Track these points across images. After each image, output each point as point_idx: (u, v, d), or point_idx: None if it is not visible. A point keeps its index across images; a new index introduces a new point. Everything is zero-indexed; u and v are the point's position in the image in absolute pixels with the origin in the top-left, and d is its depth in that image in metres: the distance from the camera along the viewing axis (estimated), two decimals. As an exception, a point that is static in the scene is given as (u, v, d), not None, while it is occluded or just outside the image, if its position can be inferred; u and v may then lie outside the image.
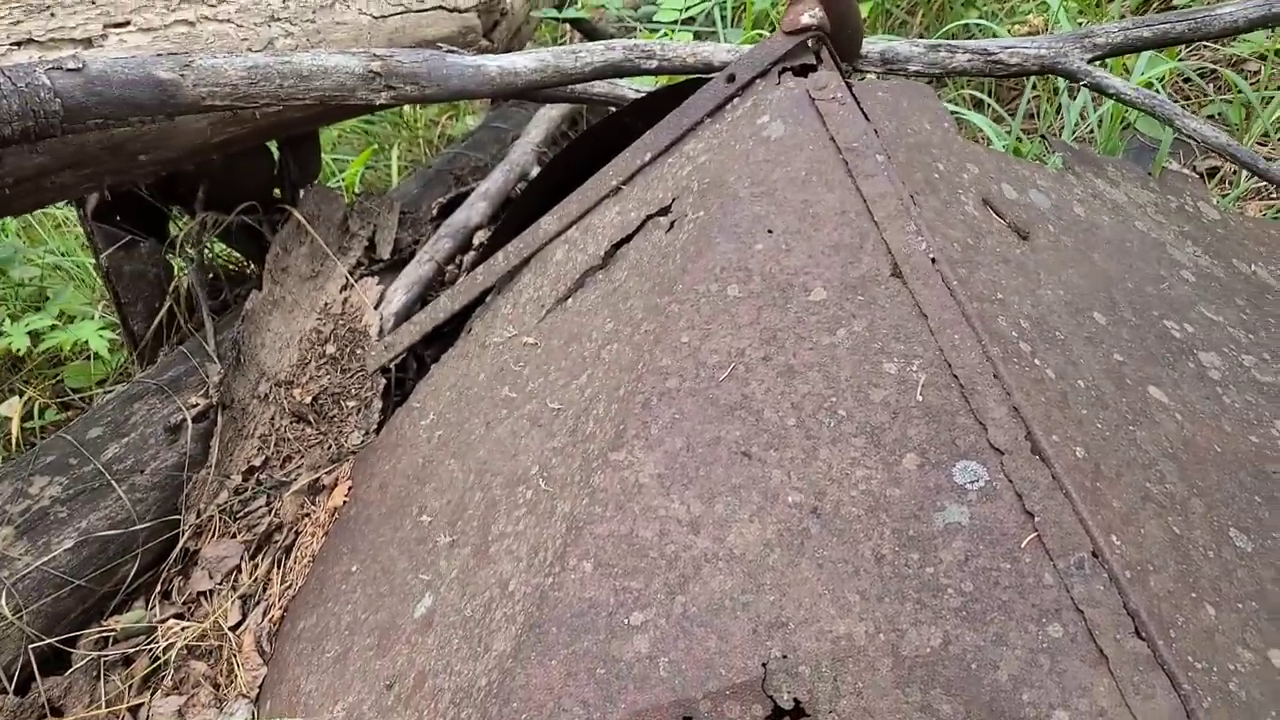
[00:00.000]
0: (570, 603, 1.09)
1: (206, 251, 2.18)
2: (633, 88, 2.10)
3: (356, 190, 2.92)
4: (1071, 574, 1.01)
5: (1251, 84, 2.73)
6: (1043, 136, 2.50)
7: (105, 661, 1.49)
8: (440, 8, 2.18)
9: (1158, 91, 2.54)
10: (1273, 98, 2.61)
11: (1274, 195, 2.44)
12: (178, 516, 1.68)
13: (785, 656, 1.03)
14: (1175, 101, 2.97)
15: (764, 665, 1.03)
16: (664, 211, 1.53)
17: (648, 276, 1.45)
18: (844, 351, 1.23)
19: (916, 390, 1.18)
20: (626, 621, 1.07)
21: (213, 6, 1.59)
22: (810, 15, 1.56)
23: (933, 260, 1.28)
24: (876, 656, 1.01)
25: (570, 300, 1.57)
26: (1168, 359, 1.42)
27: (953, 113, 2.54)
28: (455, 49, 1.74)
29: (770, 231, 1.36)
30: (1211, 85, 2.88)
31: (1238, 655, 1.00)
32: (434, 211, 2.32)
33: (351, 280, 2.00)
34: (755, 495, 1.14)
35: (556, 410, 1.39)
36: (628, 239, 1.56)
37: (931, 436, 1.14)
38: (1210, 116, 2.86)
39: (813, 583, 1.07)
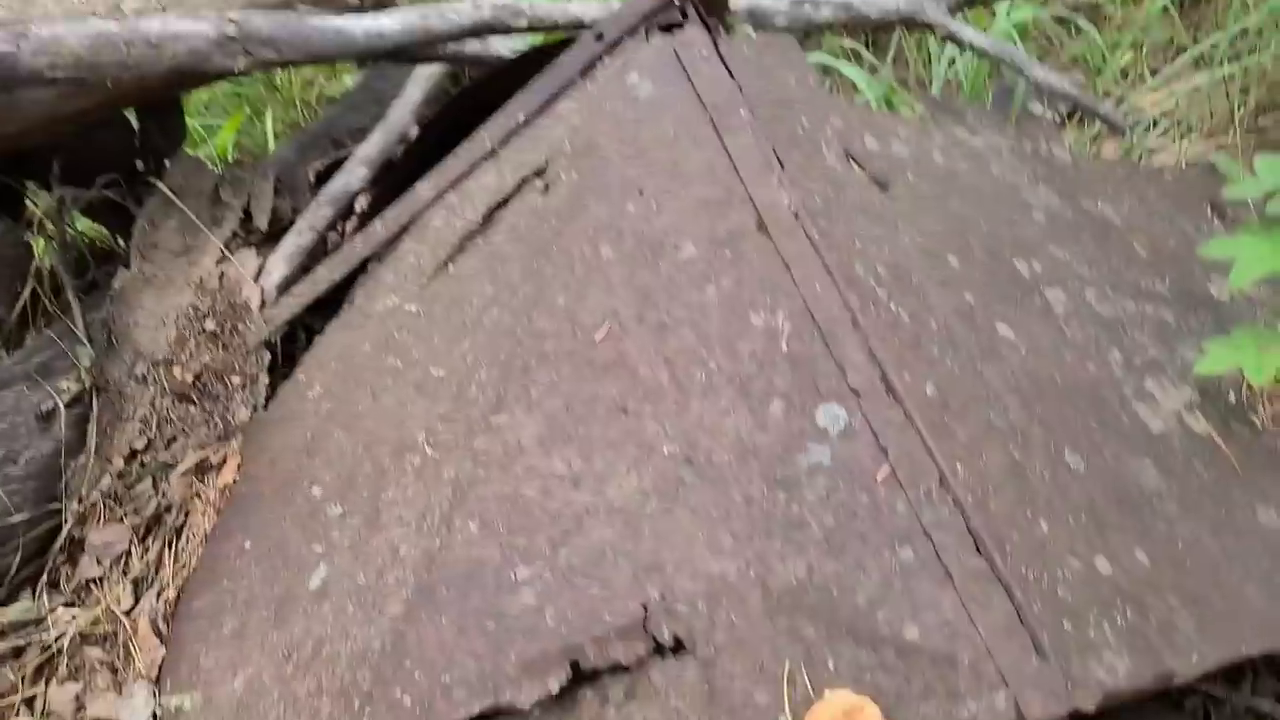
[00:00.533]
0: (458, 563, 1.13)
1: (69, 229, 2.09)
2: (508, 48, 2.08)
3: (229, 158, 2.82)
4: (921, 502, 1.10)
5: (1107, 28, 2.88)
6: (910, 89, 2.59)
7: (-7, 655, 1.47)
8: (305, -34, 2.11)
9: (1021, 39, 2.65)
10: (1124, 41, 2.76)
11: (1128, 134, 2.59)
12: (59, 505, 1.64)
13: (664, 598, 1.09)
14: (1043, 44, 3.11)
15: (644, 607, 1.09)
16: (539, 173, 1.55)
17: (525, 240, 1.47)
18: (714, 306, 1.28)
19: (782, 340, 1.24)
20: (513, 577, 1.11)
21: (52, -28, 1.51)
22: (673, -26, 1.58)
23: (795, 213, 1.34)
24: (747, 591, 1.08)
25: (451, 266, 1.58)
26: (1016, 297, 1.52)
27: (826, 65, 2.61)
28: (318, 9, 1.70)
29: (641, 192, 1.40)
30: (1068, 30, 3.02)
31: (1067, 563, 1.11)
32: (312, 178, 2.27)
33: (227, 254, 1.95)
34: (632, 449, 1.19)
35: (441, 377, 1.41)
36: (504, 202, 1.57)
37: (796, 383, 1.21)
38: (1073, 59, 3.01)
39: (688, 528, 1.13)
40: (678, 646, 1.08)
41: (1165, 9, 2.80)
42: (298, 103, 3.30)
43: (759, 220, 1.34)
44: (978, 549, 1.07)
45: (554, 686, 1.06)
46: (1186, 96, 2.65)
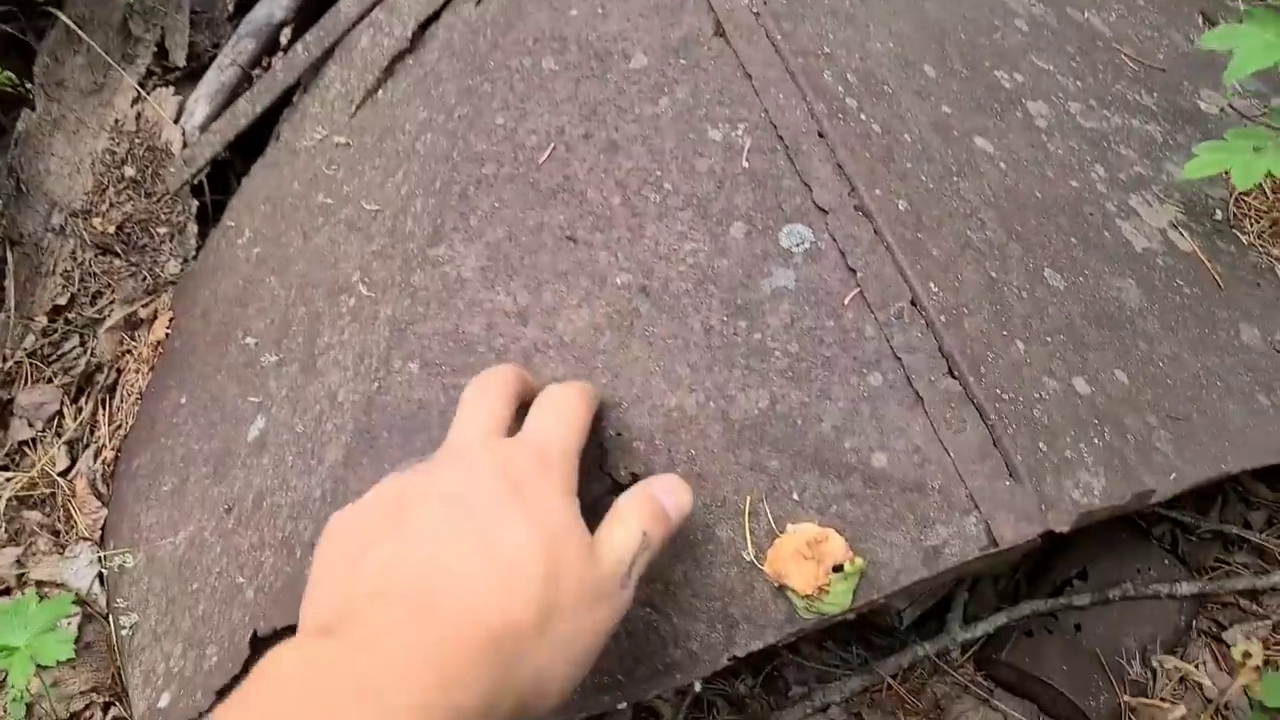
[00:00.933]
0: (399, 405, 1.06)
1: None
2: None
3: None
4: (891, 324, 1.03)
5: None
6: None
7: (-77, 523, 1.40)
8: None
9: None
10: None
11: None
12: (-20, 366, 1.55)
13: (619, 434, 1.03)
14: None
15: (600, 445, 1.03)
16: (473, -18, 1.39)
17: (459, 56, 1.33)
18: (668, 121, 1.16)
19: (742, 156, 1.13)
20: (457, 417, 1.04)
21: None
22: None
23: (756, 15, 1.20)
24: (707, 424, 1.02)
25: (380, 92, 1.43)
26: (996, 109, 1.41)
27: None
28: None
29: (585, -5, 1.25)
30: None
31: (1043, 384, 1.06)
32: (231, 8, 2.06)
33: (143, 93, 1.78)
34: (583, 280, 1.10)
35: (374, 212, 1.29)
36: (436, 16, 1.41)
37: (758, 203, 1.11)
38: None
39: (644, 361, 1.06)
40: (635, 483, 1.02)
41: None
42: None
43: (716, 23, 1.20)
44: (951, 371, 1.00)
45: (506, 528, 1.01)
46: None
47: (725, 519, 1.00)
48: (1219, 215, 1.46)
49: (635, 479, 1.03)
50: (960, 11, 1.56)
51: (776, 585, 0.97)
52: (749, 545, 0.99)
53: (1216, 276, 1.36)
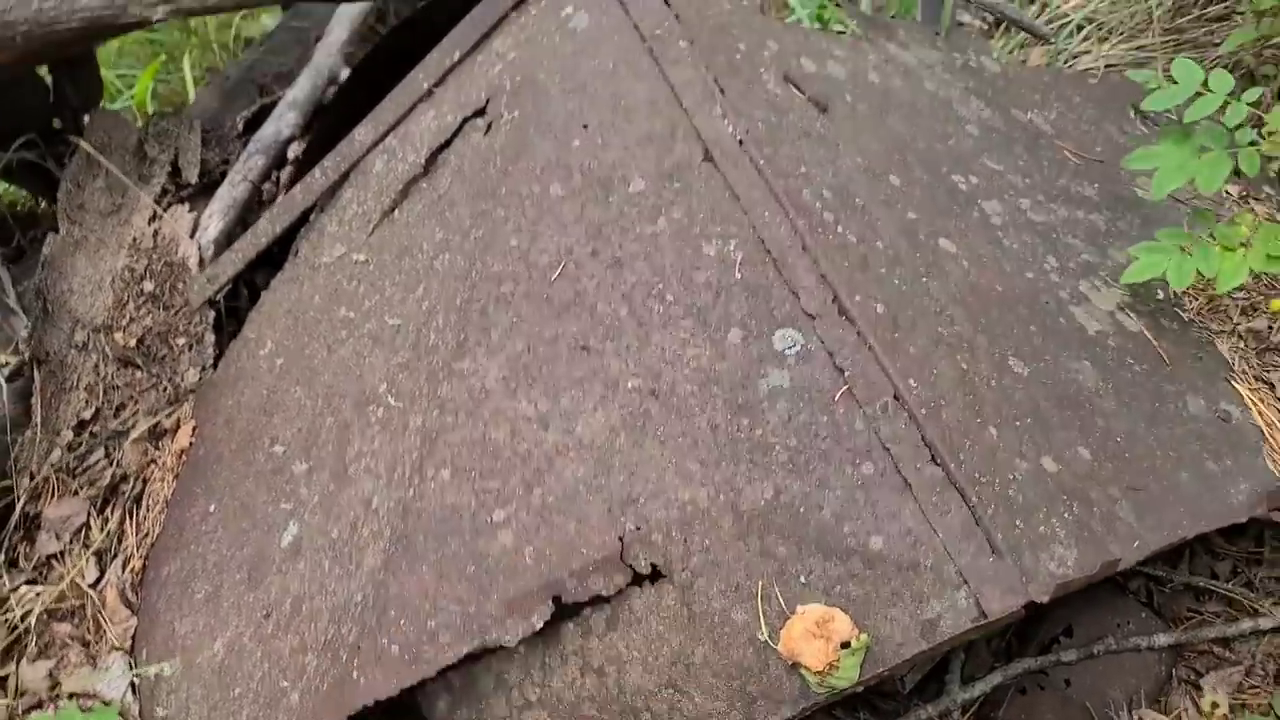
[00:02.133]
0: (433, 511, 1.15)
1: (-15, 195, 1.99)
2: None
3: (149, 108, 2.70)
4: (878, 418, 1.14)
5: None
6: (839, 6, 2.57)
7: (-41, 638, 1.45)
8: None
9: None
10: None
11: (1053, 41, 2.62)
12: (9, 482, 1.61)
13: (639, 528, 1.13)
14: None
15: (620, 539, 1.12)
16: (480, 113, 1.53)
17: (471, 181, 1.46)
18: (666, 239, 1.29)
19: (735, 268, 1.26)
20: (489, 520, 1.13)
21: (-62, -78, 1.41)
22: (602, -102, 1.54)
23: (740, 142, 1.35)
24: (719, 515, 1.12)
25: (397, 212, 1.55)
26: (955, 211, 1.56)
27: (755, -17, 2.58)
28: (232, -48, 1.62)
29: (585, 127, 1.39)
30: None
31: (1016, 466, 1.18)
32: (240, 127, 2.19)
33: (159, 210, 1.89)
34: (597, 386, 1.21)
35: (397, 326, 1.40)
36: (447, 144, 1.54)
37: (752, 310, 1.23)
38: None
39: (657, 458, 1.16)
40: (655, 574, 1.12)
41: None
42: (214, 46, 3.15)
43: (705, 151, 1.34)
44: (933, 458, 1.12)
45: (538, 623, 1.10)
46: (1106, 0, 2.68)
47: (739, 603, 1.10)
48: (1161, 295, 1.61)
49: (655, 570, 1.12)
50: (917, 123, 1.73)
51: (790, 663, 1.06)
52: (763, 626, 1.09)
53: (1162, 353, 1.50)
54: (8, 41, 1.54)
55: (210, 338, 1.79)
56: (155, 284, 1.82)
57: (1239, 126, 1.51)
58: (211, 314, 1.81)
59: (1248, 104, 1.49)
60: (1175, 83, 1.52)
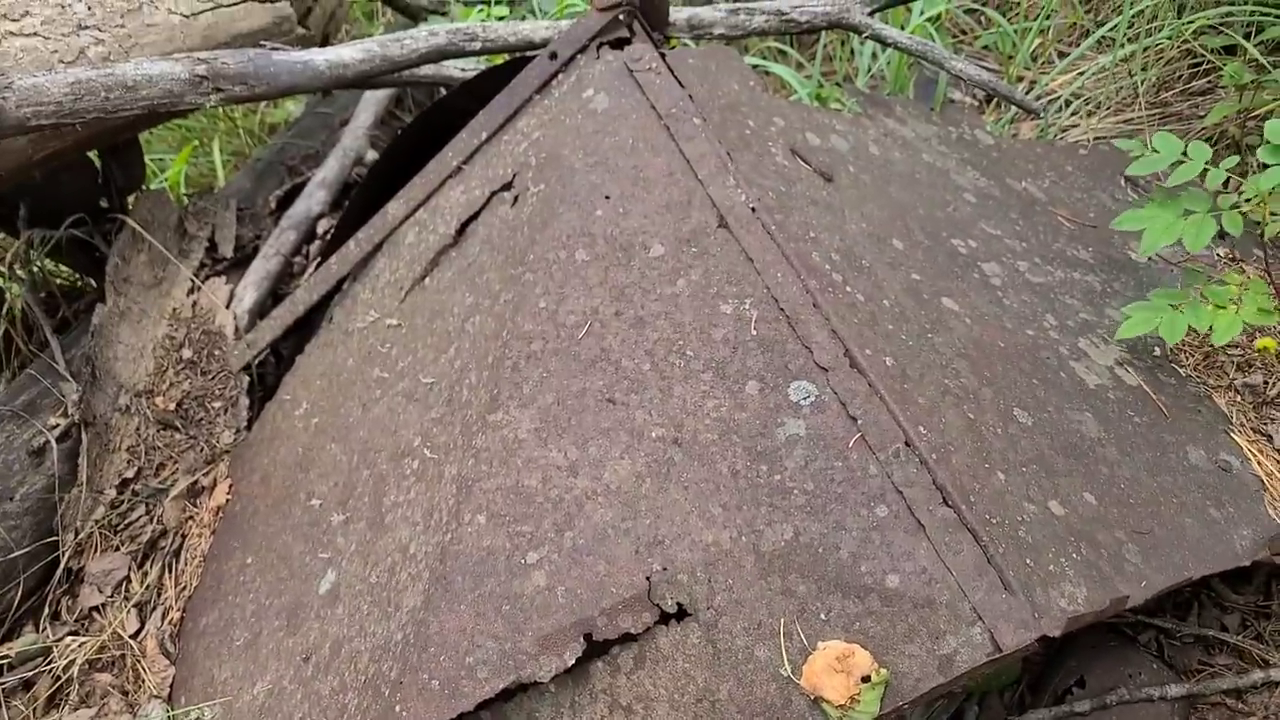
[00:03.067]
0: (470, 553, 1.21)
1: (36, 270, 2.10)
2: (458, 68, 2.16)
3: (182, 189, 2.84)
4: (890, 463, 1.21)
5: (1015, 15, 3.06)
6: (838, 84, 2.72)
7: (4, 688, 1.49)
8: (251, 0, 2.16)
9: (936, 33, 2.81)
10: (1032, 28, 2.93)
11: (1042, 115, 2.76)
12: (55, 538, 1.67)
13: (665, 569, 1.19)
14: (956, 34, 3.28)
15: (648, 579, 1.18)
16: (506, 187, 1.63)
17: (499, 250, 1.55)
18: (685, 299, 1.38)
19: (751, 325, 1.34)
20: (523, 561, 1.19)
21: (16, 21, 1.55)
22: (619, -8, 1.68)
23: (753, 209, 1.44)
24: (741, 556, 1.18)
25: (428, 279, 1.65)
26: (956, 272, 1.65)
27: (758, 65, 2.74)
28: (280, 45, 1.75)
29: (607, 198, 1.49)
30: (979, 19, 3.19)
31: (1024, 509, 1.23)
32: (273, 205, 2.31)
33: (198, 283, 1.99)
34: (623, 435, 1.28)
35: (430, 384, 1.48)
36: (475, 216, 1.65)
37: (767, 364, 1.31)
38: (985, 47, 3.18)
39: (681, 503, 1.22)
40: (681, 613, 1.17)
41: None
42: (241, 130, 3.32)
43: (720, 218, 1.44)
44: (945, 500, 1.18)
45: (569, 659, 1.14)
46: (1093, 76, 2.83)
47: (762, 640, 1.15)
48: (1158, 352, 1.69)
49: (680, 608, 1.18)
50: (917, 191, 1.83)
51: (812, 698, 1.11)
52: (785, 662, 1.13)
53: (1162, 406, 1.57)
54: (71, 131, 1.67)
55: (244, 401, 1.87)
56: (193, 351, 1.91)
57: (1221, 191, 1.61)
58: (246, 379, 1.89)
59: (1226, 170, 1.59)
60: (1158, 152, 1.63)
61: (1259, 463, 1.51)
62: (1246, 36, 2.54)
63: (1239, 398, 1.65)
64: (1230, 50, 2.61)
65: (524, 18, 3.13)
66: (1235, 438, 1.55)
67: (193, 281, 1.99)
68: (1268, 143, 1.55)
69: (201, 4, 2.01)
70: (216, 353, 1.91)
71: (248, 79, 1.59)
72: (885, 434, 1.24)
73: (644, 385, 1.31)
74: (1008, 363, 1.49)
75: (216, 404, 1.86)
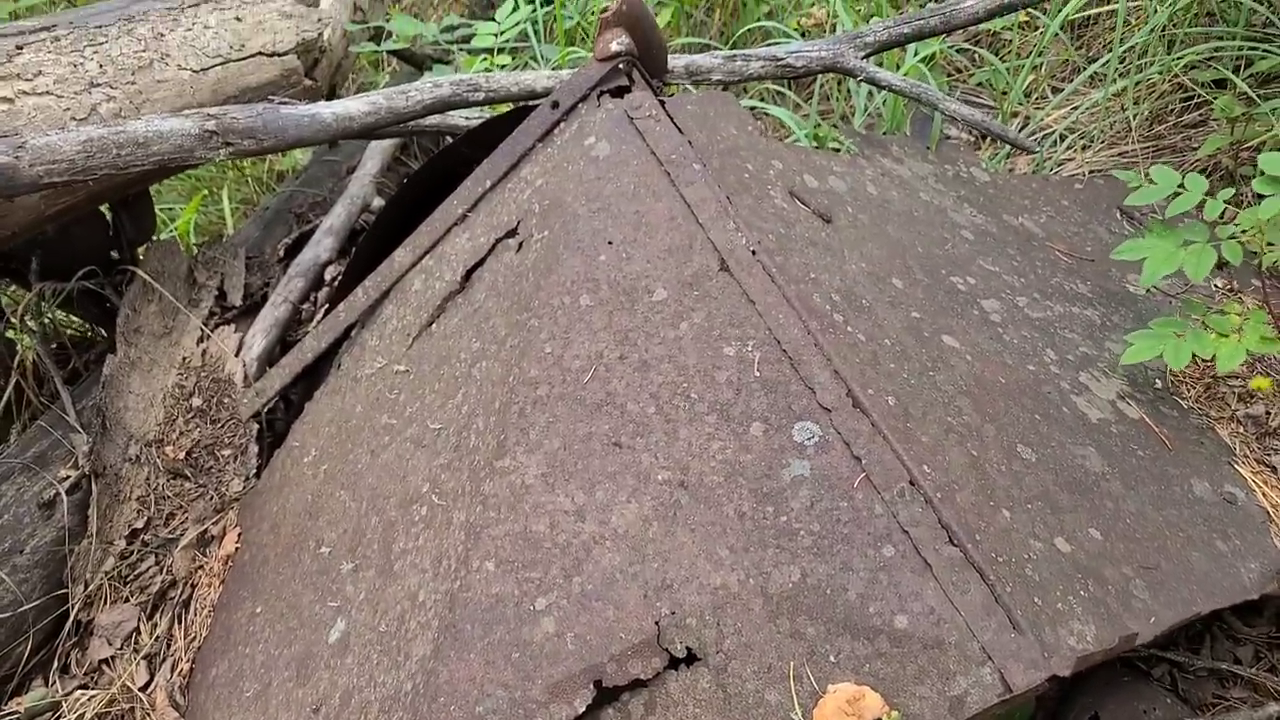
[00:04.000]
0: (479, 600, 1.21)
1: (47, 321, 2.13)
2: (463, 116, 2.20)
3: (192, 238, 2.88)
4: (895, 502, 1.22)
5: (1007, 53, 3.11)
6: (835, 125, 2.77)
7: (16, 744, 1.49)
8: (260, 54, 2.21)
9: (930, 72, 2.85)
10: (1025, 65, 2.98)
11: (1037, 151, 2.79)
12: (65, 590, 1.67)
13: (674, 613, 1.19)
14: (951, 73, 3.34)
15: (657, 624, 1.18)
16: (511, 234, 1.66)
17: (505, 296, 1.58)
18: (689, 342, 1.39)
19: (754, 367, 1.36)
20: (532, 608, 1.20)
21: (29, 80, 1.59)
22: (618, 43, 1.72)
23: (753, 252, 1.47)
24: (749, 599, 1.18)
25: (435, 326, 1.67)
26: (956, 310, 1.66)
27: (756, 107, 2.78)
28: (288, 99, 1.79)
29: (610, 243, 1.51)
30: (972, 59, 3.25)
31: (1030, 546, 1.24)
32: (281, 252, 2.35)
33: (207, 331, 2.01)
34: (630, 479, 1.29)
35: (438, 430, 1.49)
36: (481, 263, 1.67)
37: (771, 405, 1.32)
38: (980, 83, 3.23)
39: (689, 546, 1.23)
40: (690, 657, 1.17)
41: (1057, 34, 3.03)
42: (249, 179, 3.37)
43: (721, 261, 1.46)
44: (951, 540, 1.19)
45: (580, 706, 1.14)
46: (1087, 111, 2.87)
47: (772, 683, 1.15)
48: (1159, 385, 1.70)
49: (690, 653, 1.18)
50: (915, 229, 1.86)
51: (824, 741, 1.10)
52: (796, 706, 1.13)
53: (1164, 439, 1.58)
54: (83, 185, 1.70)
55: (254, 448, 1.88)
56: (203, 400, 1.93)
57: (1218, 221, 1.63)
58: (255, 427, 1.91)
59: (1224, 201, 1.61)
60: (1155, 184, 1.66)
61: (1264, 494, 1.51)
62: (1236, 70, 2.59)
63: (1241, 429, 1.66)
64: (1221, 84, 2.65)
65: (527, 64, 3.19)
66: (1239, 469, 1.56)
67: (202, 330, 2.01)
68: (1262, 173, 1.58)
69: (211, 59, 2.06)
70: (226, 400, 1.93)
71: (256, 133, 1.62)
72: (890, 473, 1.24)
73: (649, 428, 1.32)
74: (1010, 399, 1.50)
75: (226, 452, 1.87)
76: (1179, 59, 2.61)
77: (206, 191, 3.18)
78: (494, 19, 2.61)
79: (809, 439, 1.29)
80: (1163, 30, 2.68)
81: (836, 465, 1.26)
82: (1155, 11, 2.68)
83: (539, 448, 1.32)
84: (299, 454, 1.76)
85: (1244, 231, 1.59)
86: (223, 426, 1.90)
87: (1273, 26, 2.58)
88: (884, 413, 1.30)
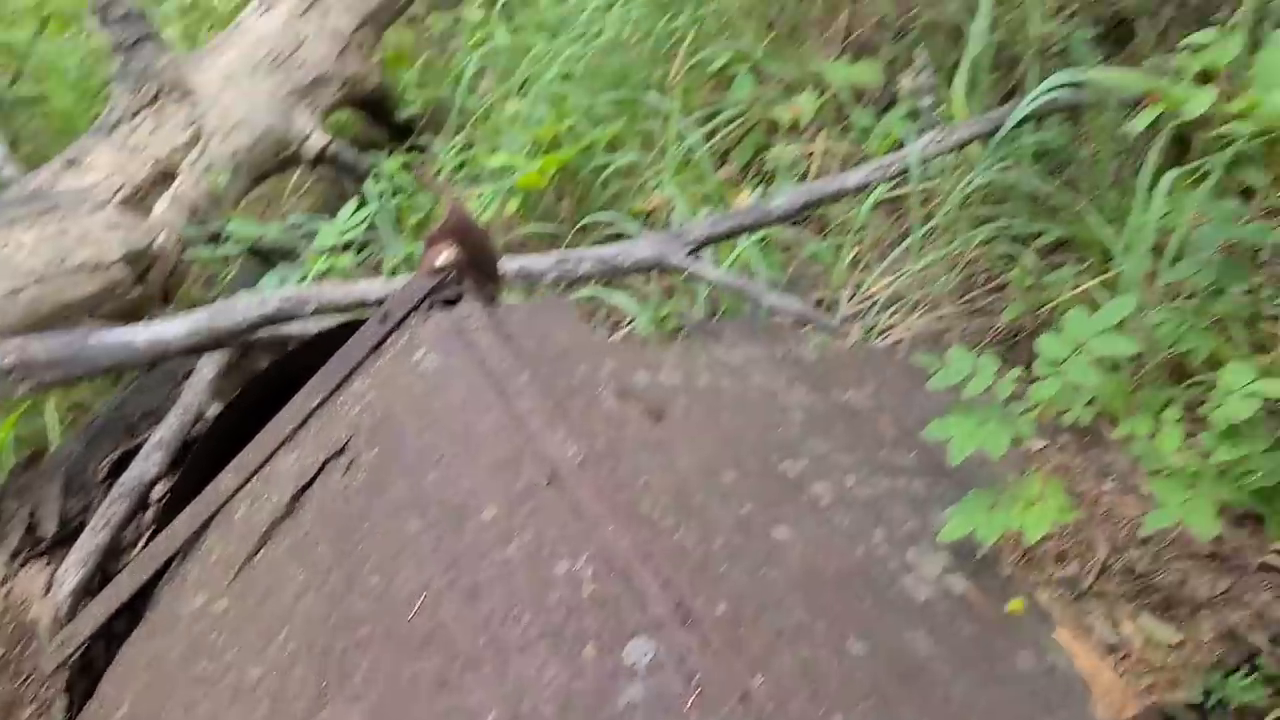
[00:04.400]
0: None
1: None
2: (303, 326, 2.19)
3: (9, 455, 2.69)
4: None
5: (833, 228, 3.36)
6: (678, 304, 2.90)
7: None
8: (82, 267, 2.16)
9: (766, 250, 3.04)
10: (848, 240, 3.23)
11: (836, 328, 2.95)
12: None
13: None
14: (785, 249, 3.57)
15: None
16: (340, 452, 1.63)
17: (333, 521, 1.53)
18: (519, 562, 1.38)
19: (584, 585, 1.35)
20: None
21: None
22: (445, 256, 1.77)
23: (581, 461, 1.49)
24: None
25: (260, 556, 1.60)
26: (787, 497, 1.72)
27: (596, 295, 2.88)
28: (102, 323, 1.75)
29: (439, 460, 1.51)
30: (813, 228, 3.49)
31: (864, 750, 1.24)
32: (104, 471, 2.22)
33: (11, 571, 1.86)
34: (459, 720, 1.24)
35: (258, 677, 1.40)
36: (310, 484, 1.63)
37: (603, 624, 1.31)
38: (811, 256, 3.46)
39: (522, 793, 1.18)
40: None
41: (874, 207, 3.31)
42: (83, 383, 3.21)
43: (551, 473, 1.47)
44: (784, 755, 1.18)
45: None
46: (907, 279, 3.12)
47: None
48: (979, 555, 1.78)
49: None
50: (748, 415, 1.93)
51: None
52: None
53: (988, 612, 1.64)
54: None
55: (61, 702, 1.72)
56: (4, 649, 1.76)
57: (1010, 400, 1.77)
58: (64, 677, 1.74)
59: (1012, 381, 1.75)
60: (950, 367, 1.80)
61: (1082, 660, 1.58)
62: (1026, 242, 2.88)
63: (1058, 592, 1.74)
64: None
65: (379, 257, 3.23)
66: (1057, 636, 1.63)
67: (5, 570, 1.86)
68: (1039, 356, 1.74)
69: (23, 280, 2.00)
70: (31, 650, 1.77)
71: (62, 364, 1.57)
72: (723, 688, 1.24)
73: (479, 662, 1.28)
74: (840, 588, 1.53)
75: (26, 712, 1.70)
76: (974, 235, 2.89)
77: (29, 402, 3.01)
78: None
79: (642, 658, 1.28)
80: (959, 208, 2.98)
81: (669, 685, 1.25)
82: (951, 193, 2.98)
83: (361, 696, 1.25)
84: (111, 707, 1.61)
85: (1034, 407, 1.73)
86: (26, 681, 1.73)
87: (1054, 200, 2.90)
88: (714, 623, 1.31)
